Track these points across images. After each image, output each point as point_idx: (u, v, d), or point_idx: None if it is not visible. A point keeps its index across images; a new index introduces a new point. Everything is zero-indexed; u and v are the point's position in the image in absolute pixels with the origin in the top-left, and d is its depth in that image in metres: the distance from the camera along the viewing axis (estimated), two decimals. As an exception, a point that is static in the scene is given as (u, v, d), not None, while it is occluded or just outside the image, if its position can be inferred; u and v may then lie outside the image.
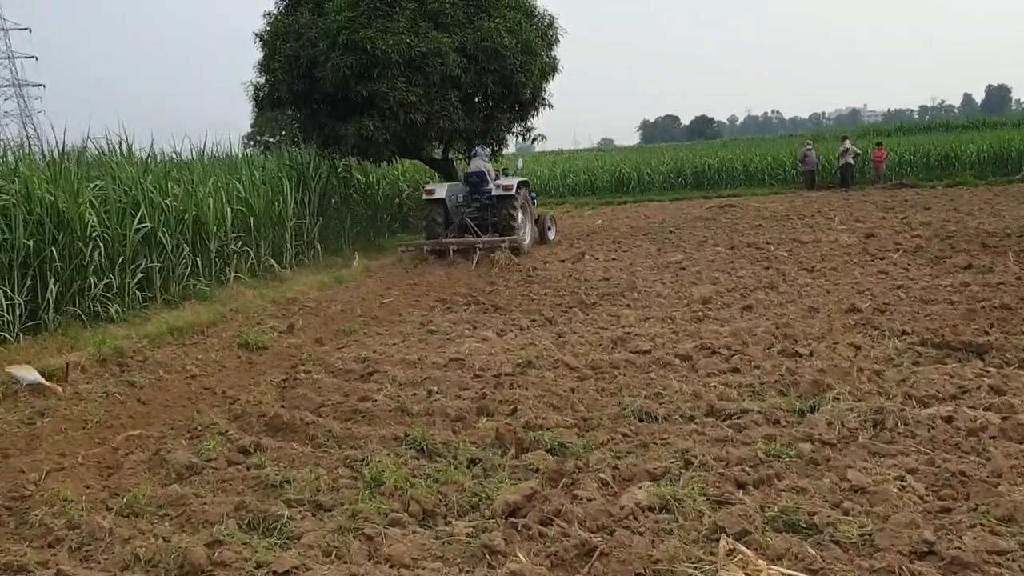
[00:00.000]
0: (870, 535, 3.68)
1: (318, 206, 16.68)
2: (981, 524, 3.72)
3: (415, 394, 6.57)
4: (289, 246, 15.17)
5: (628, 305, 9.75)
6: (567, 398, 6.12)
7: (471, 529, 4.10)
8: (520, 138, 19.57)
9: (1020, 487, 4.02)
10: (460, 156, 19.29)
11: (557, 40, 18.66)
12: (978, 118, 65.27)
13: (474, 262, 14.44)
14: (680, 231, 17.73)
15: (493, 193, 15.95)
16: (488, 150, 17.98)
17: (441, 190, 16.14)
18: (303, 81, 16.50)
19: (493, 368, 7.17)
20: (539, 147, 26.60)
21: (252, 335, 9.12)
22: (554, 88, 18.54)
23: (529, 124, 18.98)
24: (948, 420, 4.98)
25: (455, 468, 4.88)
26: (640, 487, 4.39)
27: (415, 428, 5.61)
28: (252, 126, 43.67)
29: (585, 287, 11.25)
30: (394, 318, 10.02)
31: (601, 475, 4.59)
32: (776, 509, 4.00)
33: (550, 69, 18.14)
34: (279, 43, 16.68)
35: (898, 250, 12.54)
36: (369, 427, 5.87)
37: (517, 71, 16.67)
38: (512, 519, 4.13)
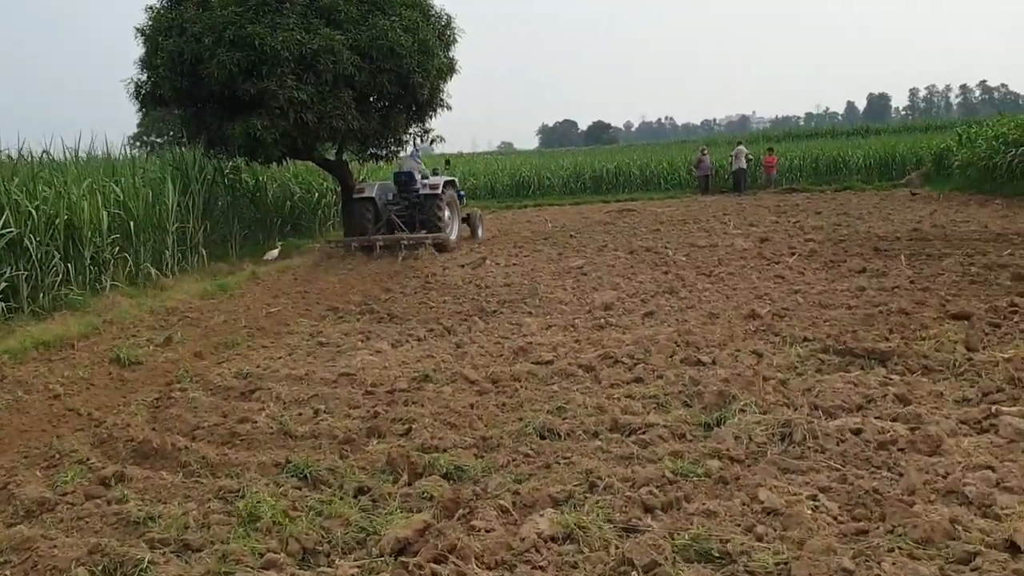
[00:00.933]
0: (786, 564, 3.44)
1: (203, 209, 15.88)
2: (899, 547, 3.53)
3: (300, 414, 6.10)
4: (171, 252, 14.36)
5: (530, 312, 9.46)
6: (466, 415, 5.76)
7: (356, 570, 3.69)
8: (418, 139, 19.09)
9: (935, 506, 3.86)
10: (354, 157, 18.69)
11: (455, 40, 18.28)
12: (862, 125, 68.17)
13: (399, 257, 15.14)
14: (580, 235, 17.62)
15: (420, 192, 16.71)
16: (419, 151, 18.60)
17: (371, 189, 17.00)
18: (187, 78, 15.64)
19: (387, 383, 6.74)
20: (438, 149, 26.14)
21: (125, 349, 8.44)
22: (452, 89, 18.17)
23: (427, 125, 18.54)
24: (856, 432, 4.83)
25: (341, 499, 4.46)
26: (542, 514, 4.06)
27: (298, 453, 5.16)
28: (139, 126, 41.88)
29: (486, 293, 10.92)
30: (281, 329, 9.46)
31: (501, 502, 4.24)
32: (687, 536, 3.72)
33: (448, 69, 17.74)
34: (161, 38, 15.77)
35: (793, 254, 12.66)
36: (248, 452, 5.37)
37: (414, 71, 16.21)
38: (402, 557, 3.74)
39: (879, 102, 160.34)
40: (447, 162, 21.51)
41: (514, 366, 6.99)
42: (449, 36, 18.11)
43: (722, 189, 29.27)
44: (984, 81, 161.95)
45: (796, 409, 5.37)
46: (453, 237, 16.91)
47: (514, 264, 13.81)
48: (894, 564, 3.39)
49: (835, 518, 3.90)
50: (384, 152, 18.53)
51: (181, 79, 15.62)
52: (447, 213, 16.88)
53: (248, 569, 3.73)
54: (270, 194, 20.03)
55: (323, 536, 4.02)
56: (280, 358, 8.03)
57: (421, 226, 16.58)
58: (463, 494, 4.32)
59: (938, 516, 3.70)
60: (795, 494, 4.13)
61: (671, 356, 6.99)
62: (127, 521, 4.37)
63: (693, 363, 6.75)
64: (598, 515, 3.99)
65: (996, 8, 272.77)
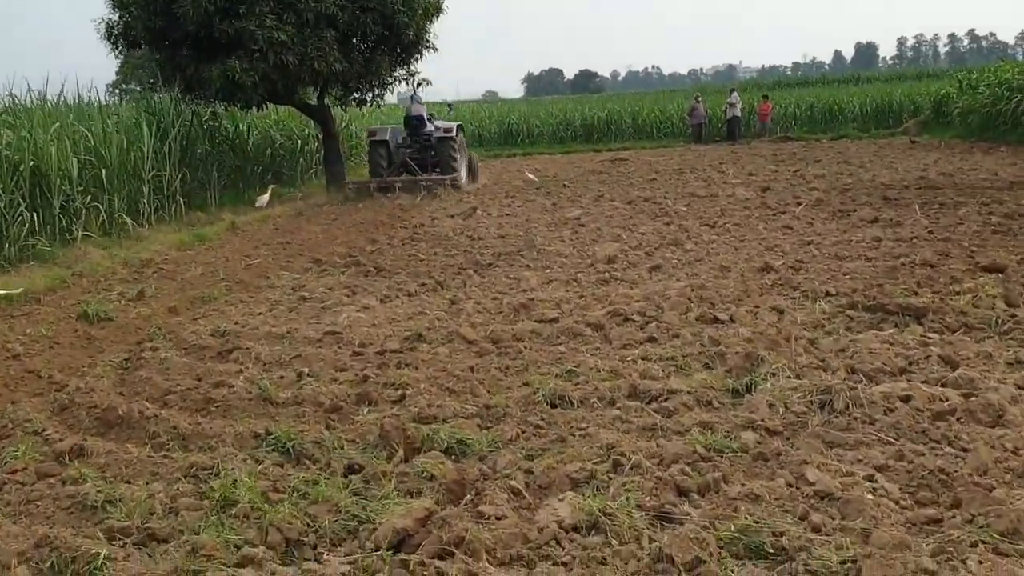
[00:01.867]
0: (854, 562, 2.92)
1: (180, 157, 15.10)
2: (983, 541, 3.02)
3: (282, 377, 5.53)
4: (147, 201, 13.63)
5: (528, 266, 8.88)
6: (466, 379, 5.20)
7: (348, 568, 3.16)
8: (403, 83, 18.31)
9: (1017, 491, 3.36)
10: (336, 102, 17.88)
11: (441, -22, 17.45)
12: (852, 73, 67.16)
13: (418, 197, 15.40)
14: (575, 185, 16.98)
15: (434, 135, 17.12)
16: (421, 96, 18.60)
17: (384, 132, 17.35)
18: (161, 18, 14.84)
19: (376, 343, 6.17)
20: (423, 95, 25.37)
21: (95, 304, 7.82)
22: (438, 31, 17.35)
23: (412, 68, 17.75)
24: (906, 400, 4.31)
25: (328, 478, 3.91)
26: (561, 498, 3.53)
27: (280, 423, 4.61)
28: (117, 74, 40.43)
29: (479, 245, 10.32)
30: (261, 282, 8.85)
31: (512, 483, 3.70)
32: (732, 527, 3.20)
33: (434, 9, 16.94)
34: (133, -26, 14.91)
35: (799, 204, 12.09)
36: (224, 421, 4.81)
37: (399, 10, 15.46)
38: (401, 553, 3.21)
39: (867, 51, 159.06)
40: (449, 106, 21.72)
41: (515, 324, 6.42)
42: (435, -26, 17.27)
43: (716, 138, 28.59)
44: (973, 30, 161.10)
45: (832, 373, 4.84)
46: (464, 178, 17.22)
47: (507, 214, 13.18)
48: (981, 563, 2.88)
49: (898, 503, 3.39)
50: (368, 96, 17.73)
51: (154, 18, 14.83)
52: (459, 156, 17.16)
53: (221, 567, 3.19)
54: (250, 141, 19.24)
55: (308, 525, 3.48)
56: (260, 314, 7.45)
57: (433, 168, 17.04)
58: (469, 474, 3.79)
59: None
60: (848, 473, 3.61)
61: (685, 313, 6.45)
62: (83, 505, 3.82)
63: (710, 320, 6.21)
64: (626, 500, 3.46)
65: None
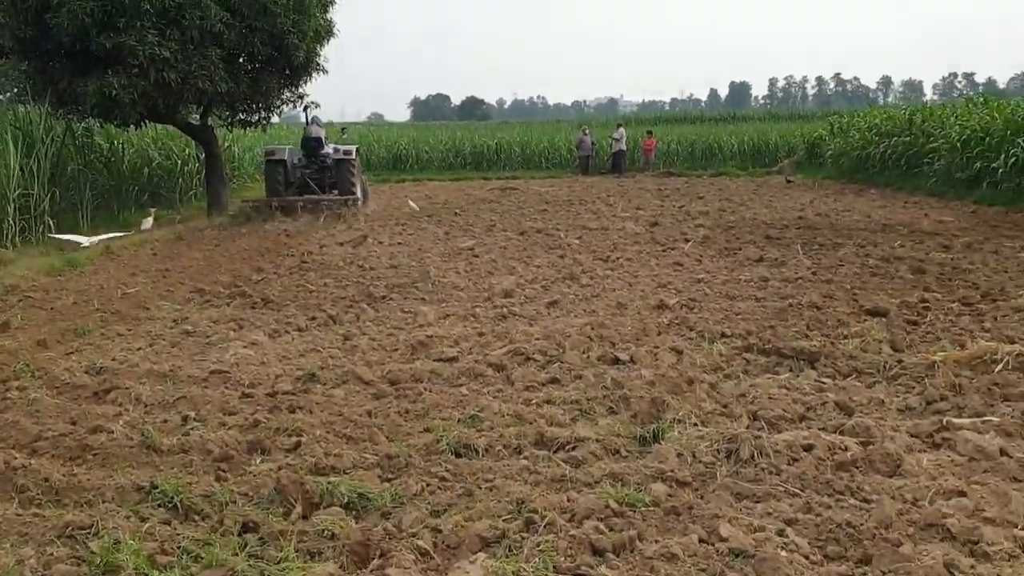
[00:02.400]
0: (775, 625, 2.88)
1: (50, 175, 14.25)
2: (897, 600, 3.04)
3: (166, 421, 5.17)
4: (12, 221, 12.77)
5: (423, 299, 8.69)
6: (364, 425, 4.98)
7: (245, 647, 2.91)
8: (291, 105, 17.86)
9: (923, 545, 3.40)
10: (221, 123, 17.27)
11: (333, 1, 17.17)
12: (727, 111, 69.99)
13: (321, 219, 15.59)
14: (466, 213, 16.92)
15: (333, 157, 17.45)
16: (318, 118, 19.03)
17: (282, 152, 17.43)
18: (32, 27, 13.98)
19: (267, 383, 5.87)
20: (303, 118, 25.09)
21: (-51, 336, 7.20)
22: (328, 54, 17.05)
23: (301, 90, 17.34)
24: (808, 449, 4.35)
25: (222, 538, 3.62)
26: (473, 560, 3.37)
27: (166, 474, 4.27)
28: (-15, 83, 37.90)
29: (371, 276, 10.07)
30: (140, 314, 8.34)
31: (420, 543, 3.51)
32: (652, 590, 3.12)
33: (325, 32, 16.63)
34: (3, -20, 14.01)
35: (687, 240, 12.35)
36: (103, 472, 4.43)
37: (289, 31, 15.07)
38: (305, 627, 2.98)
39: (740, 90, 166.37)
40: (343, 130, 22.56)
41: (414, 363, 6.23)
42: (327, -3, 16.98)
43: (602, 170, 29.13)
44: (838, 74, 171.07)
45: (736, 420, 4.86)
46: (361, 199, 17.48)
47: (399, 243, 12.96)
48: (897, 623, 2.89)
49: (809, 558, 3.39)
50: (255, 118, 17.19)
51: (25, 28, 13.95)
52: (357, 178, 17.56)
53: (100, 648, 2.88)
54: (126, 159, 18.37)
55: (200, 595, 3.21)
56: (140, 349, 6.99)
57: (331, 188, 17.38)
58: (373, 534, 3.57)
59: (931, 559, 3.23)
60: (759, 528, 3.59)
61: (586, 352, 6.41)
62: (-64, 577, 3.42)
63: (611, 361, 6.18)
64: (541, 562, 3.33)
65: (846, 5, 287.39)
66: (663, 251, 11.53)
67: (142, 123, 15.89)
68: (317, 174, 17.62)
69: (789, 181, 23.47)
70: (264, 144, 30.13)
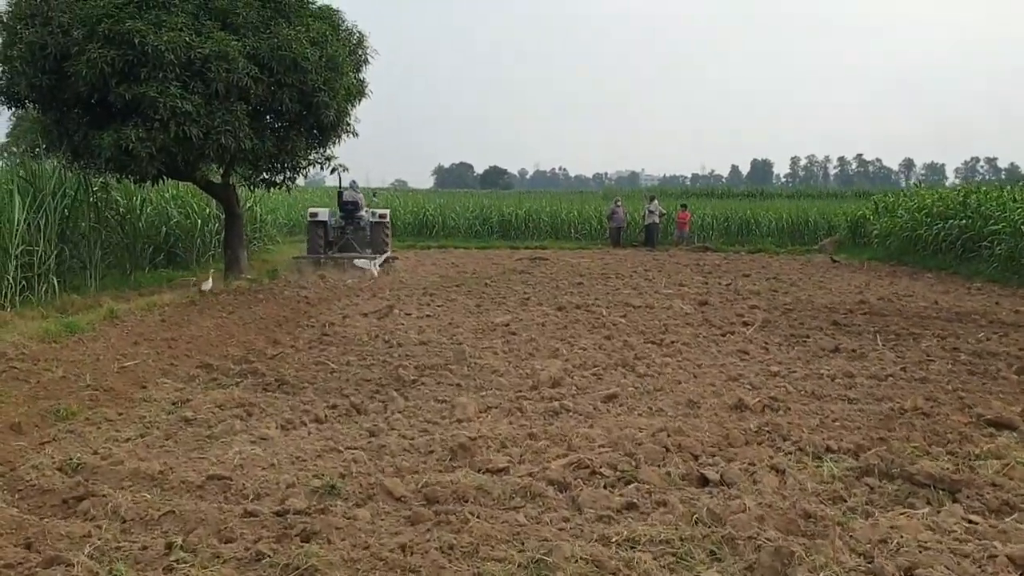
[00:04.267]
0: None
1: (59, 231, 13.40)
2: None
3: (145, 549, 4.04)
4: (12, 279, 11.84)
5: (459, 384, 7.58)
6: (396, 566, 3.82)
7: None
8: (319, 167, 17.00)
9: None
10: (243, 182, 16.41)
11: (366, 61, 16.42)
12: (756, 188, 69.43)
13: (367, 274, 17.07)
14: (496, 284, 15.88)
15: (368, 220, 19.35)
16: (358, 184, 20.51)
17: (323, 214, 19.12)
18: (50, 76, 13.24)
19: (275, 495, 4.75)
20: (330, 181, 24.72)
21: (-90, 414, 6.14)
22: (361, 114, 16.27)
23: (329, 151, 16.49)
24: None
25: None
26: None
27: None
28: (7, 135, 37.60)
29: (400, 354, 8.98)
30: (136, 393, 7.25)
31: None
32: None
33: (357, 92, 15.81)
34: (21, 27, 13.33)
35: (745, 324, 11.21)
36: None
37: (319, 89, 14.24)
38: None
39: (762, 167, 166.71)
40: (374, 194, 24.36)
41: (454, 473, 5.09)
42: (361, 56, 16.25)
43: (633, 243, 28.16)
44: (860, 155, 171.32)
45: (887, 579, 3.68)
46: (394, 260, 19.60)
47: (427, 316, 11.90)
48: None
49: None
50: (279, 178, 16.33)
51: (42, 76, 13.22)
52: (391, 238, 19.73)
53: None
54: (143, 217, 17.54)
55: None
56: (128, 440, 5.90)
57: (366, 248, 18.93)
58: None
59: None
60: None
61: (663, 466, 5.26)
62: None
63: (697, 480, 5.03)
64: None
65: (867, 87, 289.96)
66: (721, 336, 10.38)
67: (160, 179, 15.02)
68: (353, 235, 19.10)
69: (835, 261, 22.34)
70: (286, 206, 29.61)
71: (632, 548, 4.05)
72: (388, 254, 19.37)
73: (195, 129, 13.25)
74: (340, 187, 19.88)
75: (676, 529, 4.25)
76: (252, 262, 18.92)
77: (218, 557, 3.96)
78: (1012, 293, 14.92)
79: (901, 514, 4.50)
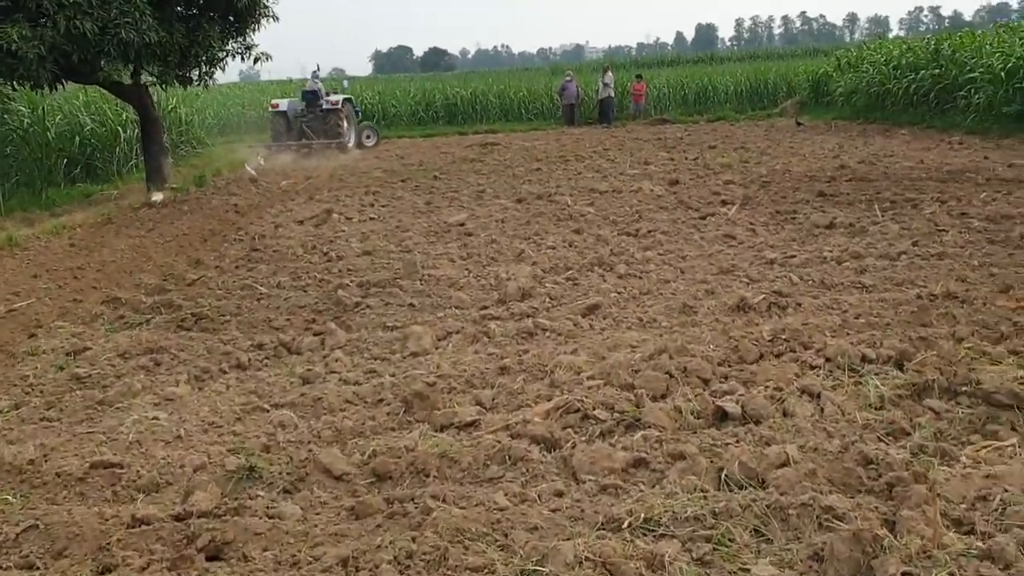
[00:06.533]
0: None
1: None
2: None
3: (-12, 592, 2.95)
4: None
5: (412, 304, 6.44)
6: (335, 593, 2.78)
7: None
8: (239, 58, 15.25)
9: None
10: (154, 80, 14.64)
11: (279, -66, 14.54)
12: (702, 53, 67.41)
13: (311, 153, 19.28)
14: (447, 176, 14.55)
15: (324, 107, 20.41)
16: (318, 73, 22.19)
17: (284, 105, 20.79)
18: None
19: (179, 485, 3.64)
20: (266, 74, 23.24)
21: None
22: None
23: (248, 40, 14.73)
24: None
25: None
26: None
27: None
28: None
29: (340, 269, 7.81)
30: (21, 344, 5.99)
31: None
32: None
33: (273, -29, 14.03)
34: None
35: (724, 203, 10.13)
36: None
37: (228, -32, 12.51)
38: None
39: (707, 32, 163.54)
40: (344, 83, 25.93)
41: (411, 433, 4.02)
42: (270, -71, 14.35)
43: (588, 120, 26.69)
44: (804, 12, 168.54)
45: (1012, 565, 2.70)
46: (350, 143, 20.81)
47: (371, 219, 10.65)
48: None
49: None
50: (195, 74, 14.59)
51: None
52: (345, 125, 20.64)
53: None
54: (52, 128, 15.76)
55: None
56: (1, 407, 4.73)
57: (324, 135, 20.15)
58: None
59: None
60: None
61: (669, 398, 4.23)
62: None
63: (715, 416, 4.01)
64: None
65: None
66: (701, 219, 9.31)
67: (57, 84, 13.24)
68: (313, 123, 20.25)
69: (799, 124, 21.21)
70: (216, 104, 27.51)
71: (653, 535, 3.03)
72: (344, 139, 20.43)
73: (88, 23, 11.50)
74: (310, 80, 21.38)
75: (704, 498, 3.23)
76: (180, 168, 17.34)
77: (89, 594, 2.87)
78: (996, 145, 13.96)
79: (987, 450, 3.53)
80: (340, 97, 21.08)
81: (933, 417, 3.84)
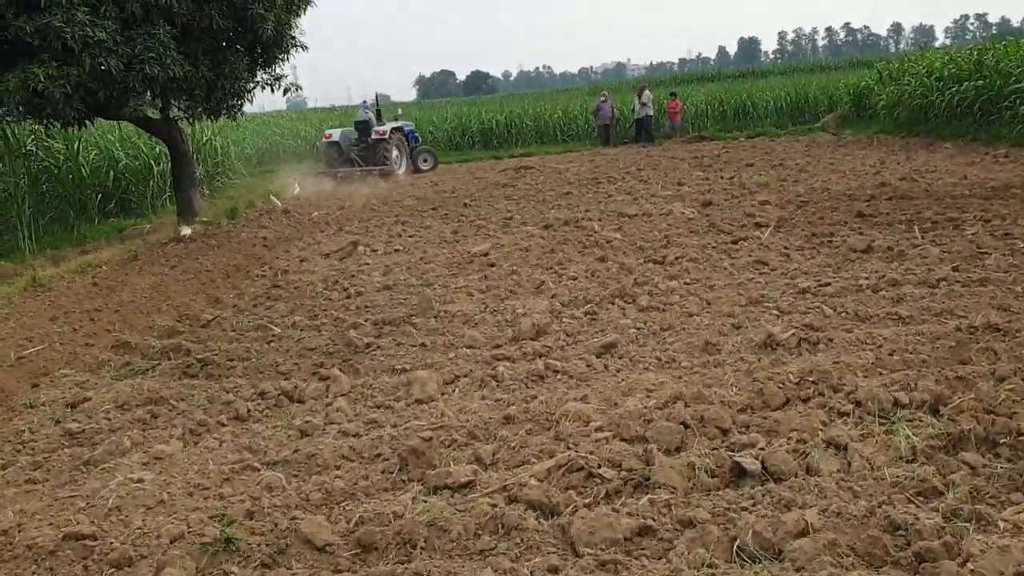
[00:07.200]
0: None
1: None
2: None
3: None
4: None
5: (423, 344, 6.19)
6: None
7: None
8: (269, 89, 15.22)
9: None
10: (182, 114, 14.67)
11: (305, -36, 14.51)
12: (744, 68, 66.76)
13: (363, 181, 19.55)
14: (477, 203, 14.33)
15: (373, 137, 21.19)
16: (370, 102, 23.27)
17: (336, 134, 21.70)
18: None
19: (153, 557, 3.41)
20: (312, 102, 23.64)
21: None
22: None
23: (277, 71, 14.70)
24: None
25: None
26: None
27: None
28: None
29: (356, 306, 7.59)
30: (23, 395, 5.86)
31: None
32: None
33: (298, 0, 13.99)
34: None
35: (758, 226, 9.75)
36: None
37: (252, 0, 12.47)
38: None
39: (749, 46, 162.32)
40: (399, 111, 26.77)
41: (402, 495, 3.75)
42: (298, -41, 14.33)
43: (625, 140, 26.37)
44: (848, 23, 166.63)
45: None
46: (400, 171, 21.49)
47: (396, 250, 10.46)
48: None
49: None
50: (223, 107, 14.58)
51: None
52: (395, 153, 21.40)
53: None
54: (87, 164, 15.90)
55: None
56: (-12, 470, 4.56)
57: (374, 163, 20.77)
58: None
59: None
60: None
61: (682, 452, 3.91)
62: None
63: (731, 473, 3.68)
64: None
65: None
66: (732, 243, 8.95)
67: (85, 122, 13.32)
68: (364, 152, 21.12)
69: (839, 139, 20.64)
70: (253, 135, 27.74)
71: (652, 622, 2.72)
72: (392, 166, 21.01)
73: (113, 60, 11.52)
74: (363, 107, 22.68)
75: (712, 575, 2.91)
76: (216, 199, 17.42)
77: None
78: (1046, 158, 13.38)
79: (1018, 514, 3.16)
80: (389, 127, 21.73)
81: (968, 473, 3.47)
